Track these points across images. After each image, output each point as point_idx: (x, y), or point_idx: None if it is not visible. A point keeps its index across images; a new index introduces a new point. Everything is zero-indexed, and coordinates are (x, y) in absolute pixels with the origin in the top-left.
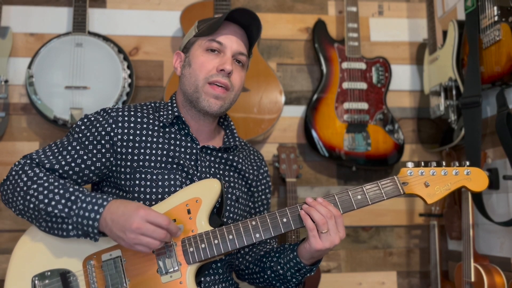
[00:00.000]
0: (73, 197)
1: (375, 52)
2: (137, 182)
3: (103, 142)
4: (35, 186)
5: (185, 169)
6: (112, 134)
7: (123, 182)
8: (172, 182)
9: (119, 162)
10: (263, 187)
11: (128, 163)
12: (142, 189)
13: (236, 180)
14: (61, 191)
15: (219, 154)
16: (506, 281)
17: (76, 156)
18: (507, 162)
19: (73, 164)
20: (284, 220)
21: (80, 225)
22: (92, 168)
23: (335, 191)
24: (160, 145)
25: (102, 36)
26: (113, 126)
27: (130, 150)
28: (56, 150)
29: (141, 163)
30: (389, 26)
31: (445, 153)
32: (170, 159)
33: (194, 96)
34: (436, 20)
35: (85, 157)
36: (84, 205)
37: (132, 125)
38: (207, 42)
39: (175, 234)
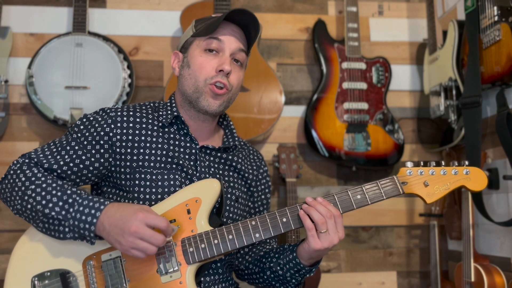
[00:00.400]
0: (70, 200)
1: (375, 52)
2: (136, 182)
3: (102, 142)
4: (33, 186)
5: (185, 169)
6: (111, 134)
7: (123, 182)
8: (171, 182)
9: (118, 163)
10: (262, 186)
11: (128, 163)
12: (142, 189)
13: (235, 180)
14: (59, 193)
15: (219, 154)
16: (506, 281)
17: (74, 156)
18: (507, 162)
19: (71, 164)
20: (284, 220)
21: (76, 228)
22: (91, 168)
23: (335, 191)
24: (159, 145)
25: (102, 36)
26: (112, 126)
27: (129, 150)
28: (54, 150)
29: (140, 163)
30: (389, 26)
31: (445, 153)
32: (169, 159)
33: (193, 97)
34: (436, 20)
35: (83, 157)
36: (81, 208)
37: (131, 125)
38: (206, 41)
39: (169, 235)
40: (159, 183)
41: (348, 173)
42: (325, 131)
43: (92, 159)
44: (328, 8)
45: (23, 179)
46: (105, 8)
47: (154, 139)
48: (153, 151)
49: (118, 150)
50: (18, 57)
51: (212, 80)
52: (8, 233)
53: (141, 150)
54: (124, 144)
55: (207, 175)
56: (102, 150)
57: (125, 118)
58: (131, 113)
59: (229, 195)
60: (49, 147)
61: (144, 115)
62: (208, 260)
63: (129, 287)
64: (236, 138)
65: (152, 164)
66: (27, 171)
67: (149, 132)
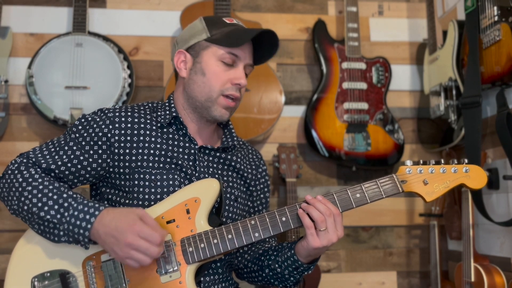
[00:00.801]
0: (66, 204)
1: (375, 52)
2: (135, 182)
3: (100, 143)
4: (29, 188)
5: (184, 169)
6: (109, 135)
7: (122, 183)
8: (170, 182)
9: (116, 163)
10: (261, 186)
11: (126, 164)
12: (141, 190)
13: (234, 179)
14: (55, 196)
15: (218, 154)
16: (506, 281)
17: (72, 156)
18: (507, 162)
19: (69, 165)
20: (283, 219)
21: (71, 232)
22: (89, 169)
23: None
24: (158, 146)
25: (102, 36)
26: (110, 127)
27: (128, 150)
28: (53, 150)
29: (139, 164)
30: (389, 26)
31: (445, 153)
32: (168, 160)
33: (205, 105)
34: (436, 20)
35: (81, 157)
36: (76, 213)
37: (129, 125)
38: (225, 54)
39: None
40: (158, 183)
41: (348, 173)
42: (325, 131)
43: (90, 160)
44: (328, 8)
45: (20, 179)
46: (105, 8)
47: (153, 139)
48: (152, 151)
49: (116, 150)
50: (18, 57)
51: (227, 92)
52: (8, 233)
53: (140, 151)
54: (122, 144)
55: (206, 175)
56: (100, 151)
57: (123, 119)
58: (129, 113)
59: (228, 195)
60: (47, 147)
61: (143, 115)
62: (207, 259)
63: (128, 287)
64: (235, 138)
65: (151, 164)
66: (25, 172)
67: (148, 133)
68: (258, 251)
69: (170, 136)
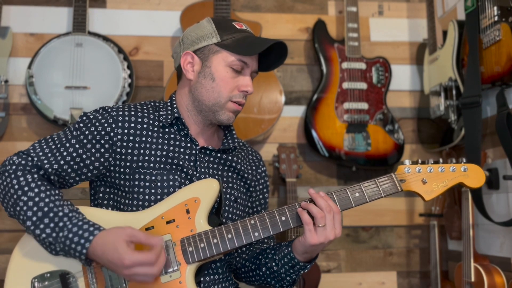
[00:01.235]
0: (61, 224)
1: (375, 52)
2: (136, 182)
3: (102, 141)
4: (25, 198)
5: (184, 169)
6: (112, 134)
7: (122, 183)
8: (171, 183)
9: (118, 162)
10: (261, 186)
11: (128, 164)
12: (141, 190)
13: (234, 180)
14: (51, 214)
15: (218, 155)
16: (506, 281)
17: (74, 154)
18: (507, 162)
19: (72, 163)
20: (283, 218)
21: (68, 254)
22: (91, 167)
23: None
24: (159, 146)
25: (102, 36)
26: (113, 125)
27: (129, 150)
28: (53, 147)
29: (140, 164)
30: (389, 26)
31: (445, 153)
32: (169, 160)
33: (212, 109)
34: (436, 20)
35: (84, 156)
36: (70, 235)
37: (132, 125)
38: (235, 61)
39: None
40: (159, 184)
41: (348, 173)
42: (325, 131)
43: (92, 158)
44: (328, 8)
45: (16, 186)
46: (105, 8)
47: (155, 140)
48: (153, 152)
49: (118, 150)
50: (18, 57)
51: (235, 99)
52: (8, 233)
53: (141, 151)
54: (125, 144)
55: (207, 176)
56: (102, 150)
57: (126, 118)
58: (132, 112)
59: (228, 196)
60: (47, 144)
61: (146, 114)
62: (207, 259)
63: (128, 287)
64: (236, 140)
65: (151, 164)
66: (21, 178)
67: (150, 133)
68: (256, 250)
69: (172, 136)
